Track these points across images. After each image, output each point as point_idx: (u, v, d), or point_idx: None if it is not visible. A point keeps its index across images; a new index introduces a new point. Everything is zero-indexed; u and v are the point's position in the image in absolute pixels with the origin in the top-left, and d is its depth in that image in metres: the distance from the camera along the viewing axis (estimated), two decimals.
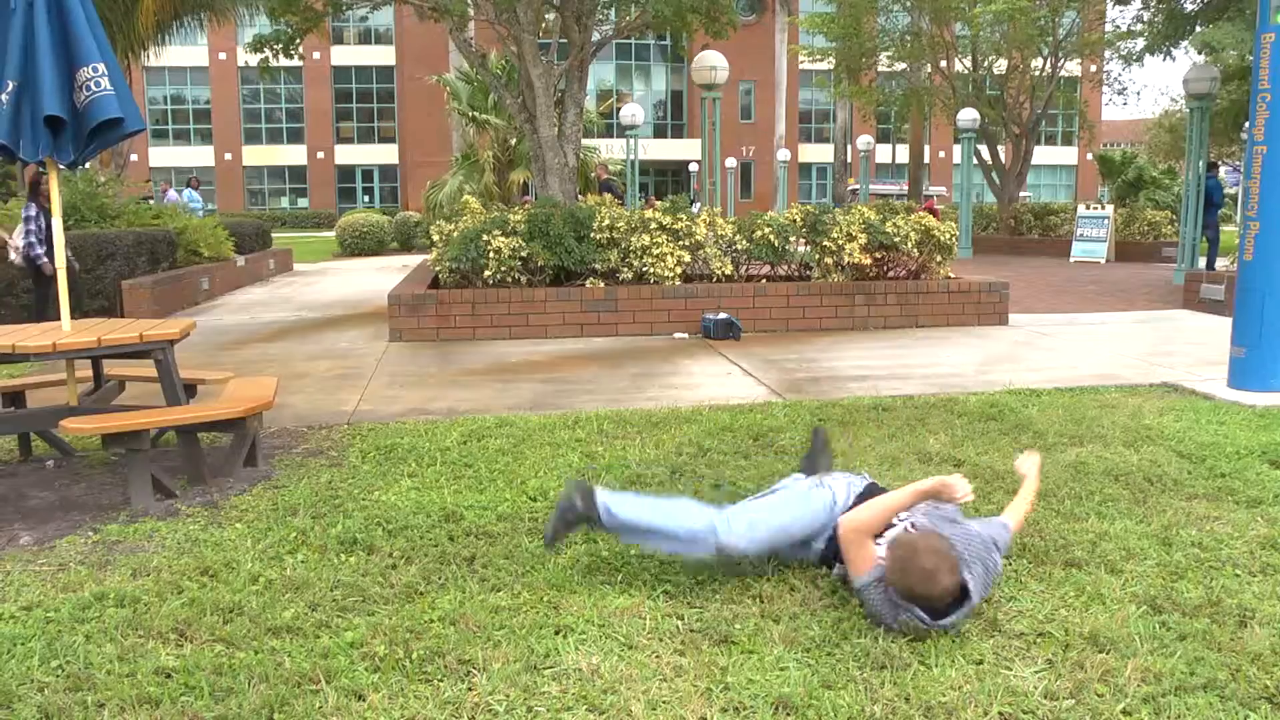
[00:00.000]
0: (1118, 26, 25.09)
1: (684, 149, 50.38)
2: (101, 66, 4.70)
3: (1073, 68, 27.87)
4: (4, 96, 4.56)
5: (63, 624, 3.20)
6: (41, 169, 5.13)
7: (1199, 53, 17.57)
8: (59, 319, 8.94)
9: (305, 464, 5.17)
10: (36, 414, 5.34)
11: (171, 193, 25.49)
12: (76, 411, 4.97)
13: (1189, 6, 19.25)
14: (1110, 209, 21.29)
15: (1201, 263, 15.79)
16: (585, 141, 18.62)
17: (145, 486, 4.46)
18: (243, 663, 2.91)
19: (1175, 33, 19.01)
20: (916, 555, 3.01)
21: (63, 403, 5.24)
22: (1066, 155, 56.59)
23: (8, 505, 4.61)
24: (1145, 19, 21.23)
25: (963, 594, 3.04)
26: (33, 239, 9.90)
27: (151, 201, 19.43)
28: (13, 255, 10.11)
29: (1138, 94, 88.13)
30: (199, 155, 51.43)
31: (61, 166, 4.91)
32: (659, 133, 51.99)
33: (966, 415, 6.00)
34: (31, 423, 5.32)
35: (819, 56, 29.15)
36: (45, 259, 9.88)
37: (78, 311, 6.37)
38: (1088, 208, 21.92)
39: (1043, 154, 47.01)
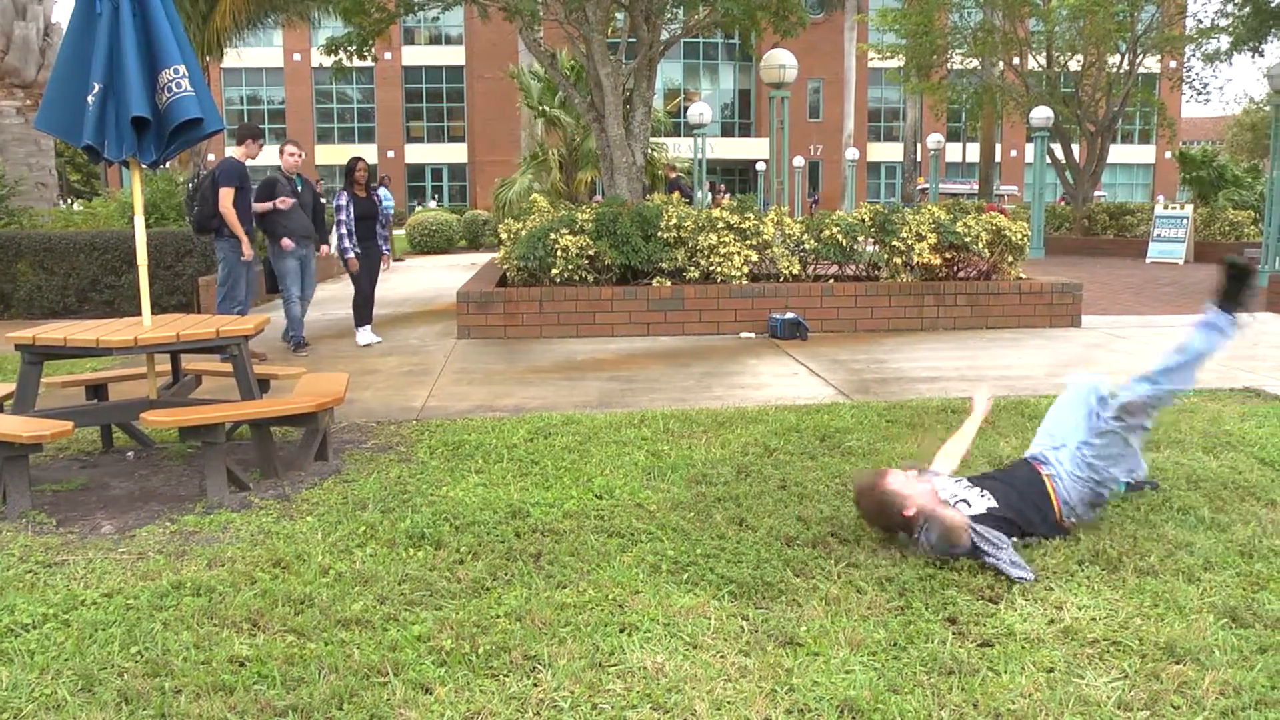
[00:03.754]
0: (1199, 21, 24.40)
1: (751, 148, 50.19)
2: (183, 68, 4.82)
3: (1151, 64, 27.17)
4: (90, 99, 4.70)
5: (142, 611, 3.29)
6: (125, 166, 5.26)
7: None
8: (367, 316, 9.02)
9: (375, 459, 5.25)
10: (118, 406, 5.52)
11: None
12: (156, 405, 5.11)
13: (1275, 2, 18.65)
14: (1189, 209, 20.69)
15: None
16: (653, 140, 18.60)
17: (220, 479, 4.56)
18: (313, 653, 2.97)
19: (1262, 27, 18.43)
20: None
21: (143, 396, 5.39)
22: (1144, 154, 55.25)
23: (90, 495, 4.76)
24: (1229, 12, 20.57)
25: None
26: (343, 230, 9.15)
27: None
28: (331, 249, 9.41)
29: (1221, 89, 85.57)
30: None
31: (144, 166, 5.05)
32: (726, 131, 51.90)
33: (1038, 418, 5.84)
34: (113, 415, 5.49)
35: (889, 54, 28.82)
36: (351, 254, 9.16)
37: (156, 307, 6.52)
38: (1165, 207, 21.33)
39: (1119, 152, 45.95)
